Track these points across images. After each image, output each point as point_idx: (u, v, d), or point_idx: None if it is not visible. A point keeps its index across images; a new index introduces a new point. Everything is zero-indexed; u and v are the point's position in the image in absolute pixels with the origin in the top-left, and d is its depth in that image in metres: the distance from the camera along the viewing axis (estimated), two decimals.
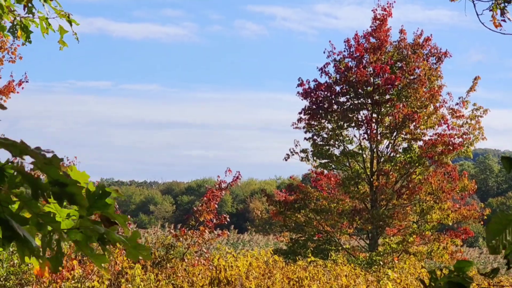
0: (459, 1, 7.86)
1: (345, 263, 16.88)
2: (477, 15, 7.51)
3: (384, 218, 24.21)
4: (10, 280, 11.75)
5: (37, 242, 2.44)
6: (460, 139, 24.59)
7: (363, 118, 25.20)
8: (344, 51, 25.29)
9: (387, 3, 25.21)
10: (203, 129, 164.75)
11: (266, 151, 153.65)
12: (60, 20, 6.54)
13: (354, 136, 25.57)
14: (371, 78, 24.79)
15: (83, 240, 2.47)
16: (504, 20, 7.60)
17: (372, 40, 25.13)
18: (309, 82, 25.38)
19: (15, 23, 6.69)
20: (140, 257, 2.50)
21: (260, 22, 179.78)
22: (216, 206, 15.02)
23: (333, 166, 26.07)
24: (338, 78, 25.20)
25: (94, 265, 11.22)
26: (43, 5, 6.37)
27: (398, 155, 25.14)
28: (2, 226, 2.17)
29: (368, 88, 24.82)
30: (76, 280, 11.15)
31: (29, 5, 6.41)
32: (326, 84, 25.23)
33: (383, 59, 25.00)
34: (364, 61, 24.95)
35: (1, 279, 11.77)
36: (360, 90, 24.81)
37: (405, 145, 25.42)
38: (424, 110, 24.61)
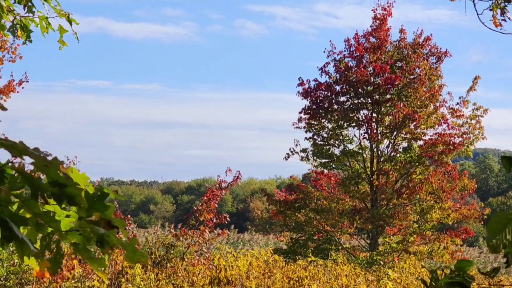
0: (459, 1, 7.85)
1: (345, 263, 16.88)
2: (477, 14, 7.51)
3: (384, 217, 24.21)
4: (10, 279, 11.75)
5: (37, 244, 2.44)
6: (460, 139, 24.60)
7: (363, 118, 25.20)
8: (344, 50, 25.31)
9: (387, 3, 25.23)
10: (203, 129, 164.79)
11: (266, 151, 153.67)
12: (60, 20, 6.55)
13: (354, 135, 25.61)
14: (371, 78, 24.78)
15: (82, 242, 2.47)
16: (504, 20, 7.60)
17: (372, 39, 25.13)
18: (309, 81, 25.39)
19: (15, 22, 6.69)
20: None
21: (260, 22, 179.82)
22: (216, 205, 15.03)
23: (333, 165, 26.08)
24: (338, 77, 25.20)
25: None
26: (43, 4, 6.37)
27: (398, 155, 25.14)
28: (2, 227, 2.17)
29: (368, 87, 24.82)
30: (76, 280, 11.15)
31: (29, 4, 6.41)
32: (326, 84, 25.24)
33: (383, 58, 25.01)
34: (364, 61, 24.95)
35: (1, 278, 11.77)
36: (360, 90, 24.81)
37: (405, 144, 25.42)
38: (424, 109, 24.61)
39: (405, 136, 25.12)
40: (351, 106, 25.16)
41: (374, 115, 25.13)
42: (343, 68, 25.04)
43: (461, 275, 2.30)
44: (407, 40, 25.41)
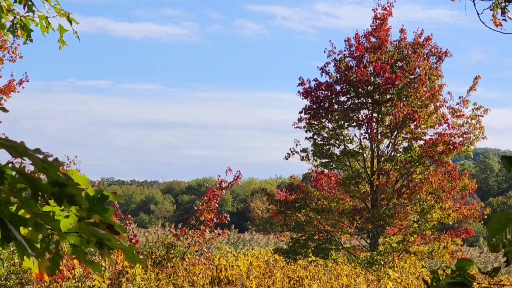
0: (459, 1, 7.85)
1: (345, 263, 16.88)
2: (478, 14, 7.51)
3: (384, 217, 24.22)
4: (11, 279, 11.75)
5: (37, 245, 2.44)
6: (461, 139, 24.59)
7: (364, 118, 25.20)
8: (345, 50, 25.31)
9: (388, 3, 25.23)
10: (203, 129, 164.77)
11: (266, 151, 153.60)
12: (60, 19, 6.54)
13: (355, 135, 25.62)
14: (372, 78, 24.79)
15: (81, 244, 2.47)
16: (504, 19, 7.60)
17: (373, 39, 25.13)
18: (309, 81, 25.39)
19: (14, 22, 6.68)
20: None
21: (260, 22, 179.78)
22: (217, 205, 15.03)
23: (333, 165, 26.08)
24: (338, 77, 25.21)
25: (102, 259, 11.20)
26: (43, 3, 6.37)
27: (398, 155, 25.15)
28: (1, 227, 2.16)
29: (369, 87, 24.82)
30: (76, 280, 11.15)
31: (29, 3, 6.41)
32: (326, 84, 25.24)
33: (383, 58, 25.01)
34: (364, 61, 24.95)
35: (2, 278, 11.77)
36: (360, 90, 24.81)
37: (405, 144, 25.43)
38: (425, 109, 24.61)
39: (406, 136, 25.13)
40: (352, 106, 25.17)
41: (375, 115, 25.13)
42: (343, 68, 25.04)
43: (462, 275, 2.30)
44: (408, 40, 25.42)
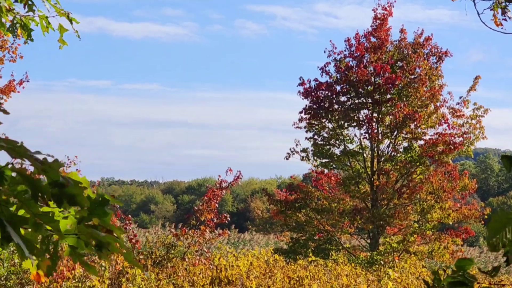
0: (459, 1, 7.84)
1: (345, 263, 16.88)
2: (478, 14, 7.51)
3: (384, 217, 24.21)
4: (11, 279, 11.75)
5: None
6: (461, 139, 24.59)
7: (364, 118, 25.20)
8: (345, 50, 25.31)
9: (388, 3, 25.22)
10: (203, 129, 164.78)
11: (266, 151, 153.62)
12: (60, 19, 6.54)
13: (355, 135, 25.61)
14: (372, 78, 24.78)
15: (79, 246, 2.47)
16: (505, 19, 7.60)
17: (373, 39, 25.12)
18: (309, 81, 25.38)
19: (14, 21, 6.68)
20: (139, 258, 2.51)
21: (260, 22, 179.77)
22: (217, 205, 15.02)
23: (333, 165, 26.08)
24: (338, 77, 25.20)
25: (100, 261, 11.21)
26: (43, 2, 6.36)
27: (398, 155, 25.14)
28: (1, 228, 2.16)
29: (369, 87, 24.81)
30: (76, 280, 11.15)
31: (29, 3, 6.40)
32: (326, 84, 25.24)
33: (383, 58, 25.00)
34: (364, 61, 24.95)
35: (2, 278, 11.77)
36: (360, 90, 24.81)
37: (405, 144, 25.42)
38: (425, 109, 24.61)
39: (406, 136, 25.12)
40: (352, 106, 25.16)
41: (375, 115, 25.13)
42: (343, 68, 25.04)
43: (463, 275, 2.30)
44: (408, 40, 25.41)
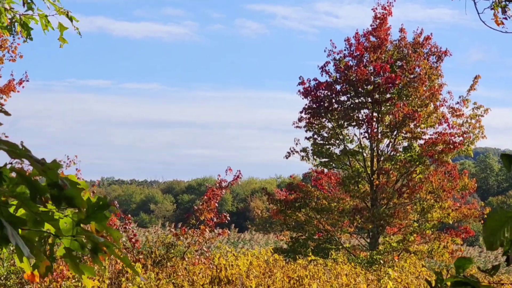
0: (459, 0, 7.83)
1: (345, 262, 16.87)
2: (478, 13, 7.50)
3: (384, 217, 24.20)
4: (11, 279, 11.75)
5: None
6: (461, 138, 24.58)
7: (364, 117, 25.19)
8: (345, 50, 25.29)
9: (387, 2, 25.20)
10: (203, 128, 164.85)
11: (266, 151, 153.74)
12: (59, 17, 6.53)
13: (355, 135, 25.60)
14: (372, 77, 24.77)
15: (76, 249, 2.47)
16: (505, 18, 7.59)
17: (372, 39, 25.11)
18: (309, 81, 25.37)
19: (13, 20, 6.66)
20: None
21: (261, 21, 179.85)
22: (217, 205, 15.01)
23: (333, 165, 26.07)
24: (338, 77, 25.19)
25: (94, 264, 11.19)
26: (43, 0, 6.36)
27: (398, 154, 25.13)
28: (0, 228, 2.16)
29: (369, 87, 24.80)
30: (76, 279, 11.14)
31: (28, 1, 6.39)
32: (326, 83, 25.22)
33: (383, 58, 24.99)
34: (364, 60, 24.94)
35: (2, 278, 11.77)
36: (360, 89, 24.80)
37: (405, 144, 25.42)
38: (425, 109, 24.60)
39: (405, 135, 25.11)
40: (352, 105, 25.15)
41: (375, 114, 25.12)
42: (343, 67, 25.03)
43: (466, 276, 2.28)
44: (407, 39, 25.40)
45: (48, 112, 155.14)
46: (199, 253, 14.19)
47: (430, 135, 24.93)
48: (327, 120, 25.39)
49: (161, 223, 60.98)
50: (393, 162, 25.02)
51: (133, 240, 13.89)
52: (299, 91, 25.41)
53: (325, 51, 25.40)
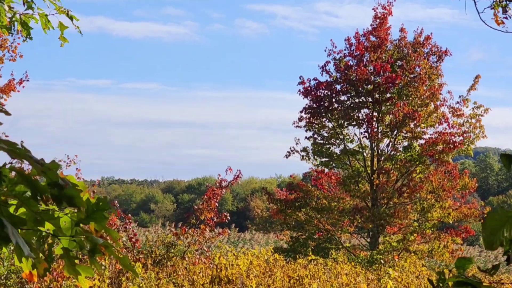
0: (460, 0, 7.83)
1: (345, 262, 16.87)
2: (478, 13, 7.50)
3: (384, 216, 24.21)
4: (11, 278, 11.75)
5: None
6: (461, 138, 24.58)
7: (364, 117, 25.19)
8: (345, 49, 25.28)
9: (388, 2, 25.20)
10: (204, 128, 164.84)
11: (266, 150, 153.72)
12: (59, 17, 6.52)
13: (355, 134, 25.61)
14: (372, 77, 24.77)
15: (76, 248, 2.47)
16: (506, 18, 7.59)
17: (373, 38, 25.10)
18: (309, 80, 25.38)
19: (13, 19, 6.66)
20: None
21: (261, 21, 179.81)
22: (217, 204, 15.01)
23: (333, 164, 26.07)
24: (338, 76, 25.19)
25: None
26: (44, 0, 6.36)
27: (398, 154, 25.14)
28: (0, 227, 2.16)
29: (369, 86, 24.80)
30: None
31: (28, 0, 6.39)
32: (326, 83, 25.22)
33: (383, 57, 24.99)
34: (364, 60, 24.94)
35: (2, 277, 11.77)
36: (360, 89, 24.80)
37: (405, 143, 25.42)
38: (425, 108, 24.60)
39: (406, 135, 25.12)
40: (352, 105, 25.15)
41: (375, 114, 25.12)
42: (343, 67, 25.03)
43: (470, 277, 2.28)
44: (408, 39, 25.40)
45: (48, 112, 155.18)
46: (199, 253, 14.19)
47: (430, 134, 24.94)
48: (327, 120, 25.39)
49: (161, 223, 60.99)
50: (393, 162, 25.02)
51: (133, 239, 13.89)
52: (299, 90, 25.43)
53: (325, 50, 25.44)
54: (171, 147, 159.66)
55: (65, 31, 6.56)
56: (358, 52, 24.96)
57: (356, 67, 24.74)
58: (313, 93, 25.25)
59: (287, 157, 25.72)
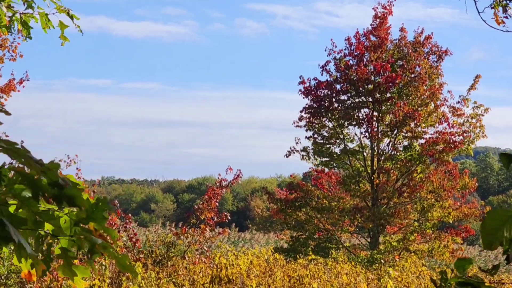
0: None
1: (345, 261, 16.87)
2: (479, 12, 7.49)
3: (385, 216, 24.21)
4: (11, 278, 11.75)
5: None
6: (461, 137, 24.58)
7: (364, 116, 25.19)
8: (345, 49, 25.28)
9: (388, 2, 25.20)
10: (204, 128, 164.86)
11: (266, 150, 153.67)
12: (60, 16, 6.52)
13: (355, 134, 25.61)
14: (372, 76, 24.77)
15: (75, 248, 2.47)
16: (506, 17, 7.59)
17: (373, 38, 25.10)
18: (310, 80, 25.38)
19: (13, 18, 6.66)
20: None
21: (261, 21, 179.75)
22: (217, 204, 15.01)
23: (334, 164, 26.08)
24: (338, 76, 25.19)
25: (95, 264, 11.19)
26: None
27: (398, 153, 25.14)
28: (1, 227, 2.16)
29: (369, 86, 24.81)
30: None
31: (28, 0, 6.39)
32: (327, 82, 25.23)
33: (383, 57, 24.98)
34: (364, 59, 24.94)
35: (2, 277, 11.77)
36: (360, 88, 24.80)
37: (405, 143, 25.42)
38: (425, 108, 24.60)
39: (406, 134, 25.12)
40: (352, 104, 25.16)
41: (375, 113, 25.12)
42: (343, 66, 25.03)
43: (471, 278, 2.28)
44: (408, 39, 25.40)
45: (48, 112, 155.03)
46: (200, 252, 14.19)
47: (431, 134, 24.95)
48: (327, 120, 25.39)
49: (161, 223, 60.99)
50: (393, 162, 25.02)
51: (133, 239, 13.89)
52: (299, 90, 25.43)
53: (325, 50, 25.44)
54: (171, 147, 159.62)
55: (65, 30, 6.56)
56: (358, 52, 24.96)
57: (356, 67, 24.74)
58: (313, 92, 25.25)
59: (287, 157, 25.74)
